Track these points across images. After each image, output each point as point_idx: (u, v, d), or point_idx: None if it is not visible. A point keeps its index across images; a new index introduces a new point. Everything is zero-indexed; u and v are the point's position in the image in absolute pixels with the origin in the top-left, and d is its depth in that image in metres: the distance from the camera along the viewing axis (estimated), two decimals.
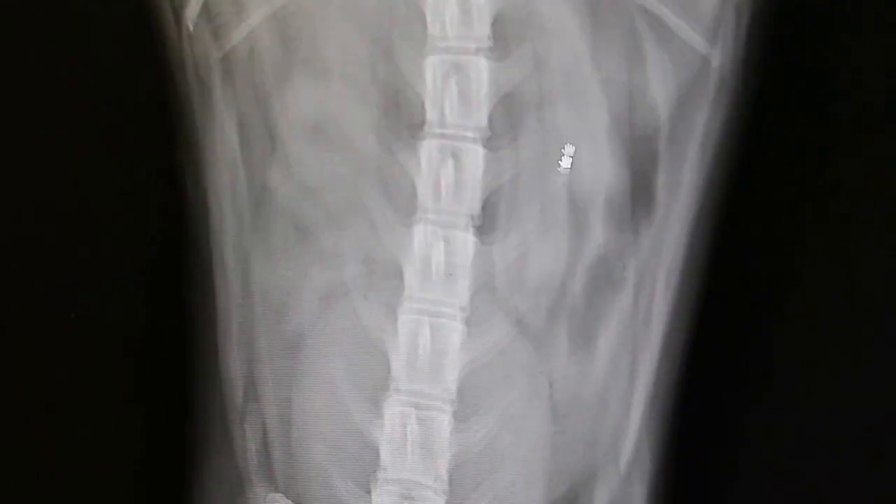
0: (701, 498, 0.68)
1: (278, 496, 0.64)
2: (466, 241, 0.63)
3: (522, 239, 0.63)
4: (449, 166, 0.62)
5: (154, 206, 0.70)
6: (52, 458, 0.70)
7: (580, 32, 0.61)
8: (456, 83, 0.62)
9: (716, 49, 0.64)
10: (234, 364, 0.66)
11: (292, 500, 0.64)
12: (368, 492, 0.63)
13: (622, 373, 0.64)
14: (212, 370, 0.67)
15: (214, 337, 0.67)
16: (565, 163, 0.62)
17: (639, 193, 0.63)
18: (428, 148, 0.63)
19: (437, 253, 0.62)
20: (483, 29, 0.62)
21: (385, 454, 0.63)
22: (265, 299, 0.64)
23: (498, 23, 0.62)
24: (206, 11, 0.65)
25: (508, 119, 0.62)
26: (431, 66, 0.62)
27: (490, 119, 0.62)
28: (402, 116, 0.62)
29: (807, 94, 0.67)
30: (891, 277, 0.67)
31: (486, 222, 0.62)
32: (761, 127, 0.66)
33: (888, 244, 0.67)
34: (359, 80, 0.62)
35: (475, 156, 0.63)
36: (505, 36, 0.62)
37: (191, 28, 0.66)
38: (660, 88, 0.62)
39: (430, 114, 0.62)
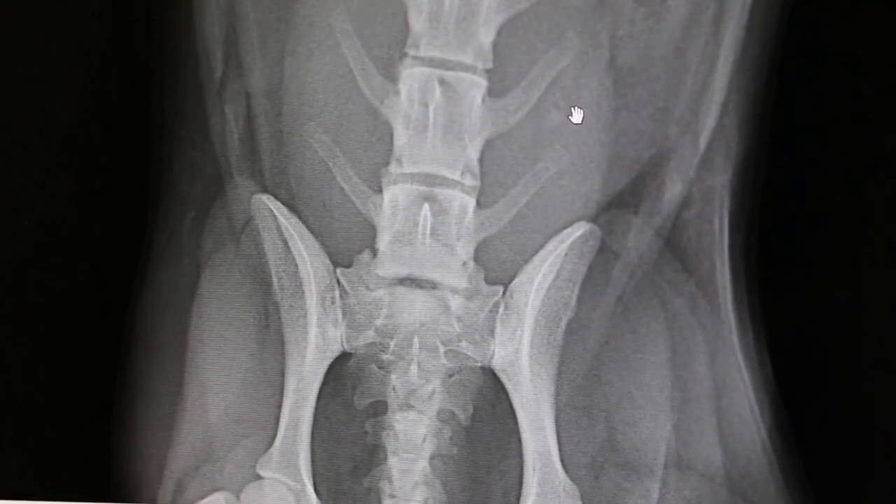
0: (797, 190, 0.57)
1: (265, 196, 0.57)
2: None
3: None
4: None
5: None
6: None
7: None
8: None
9: None
10: (210, 26, 0.57)
11: (282, 201, 0.56)
12: (379, 189, 0.55)
13: (704, 20, 0.55)
14: (183, 38, 0.58)
15: None
16: None
17: None
18: None
19: None
20: None
21: (400, 137, 0.55)
22: None
23: None
24: None
25: None
26: None
27: None
28: None
29: None
30: None
31: None
32: None
33: None
34: None
35: None
36: None
37: None
38: None
39: None
